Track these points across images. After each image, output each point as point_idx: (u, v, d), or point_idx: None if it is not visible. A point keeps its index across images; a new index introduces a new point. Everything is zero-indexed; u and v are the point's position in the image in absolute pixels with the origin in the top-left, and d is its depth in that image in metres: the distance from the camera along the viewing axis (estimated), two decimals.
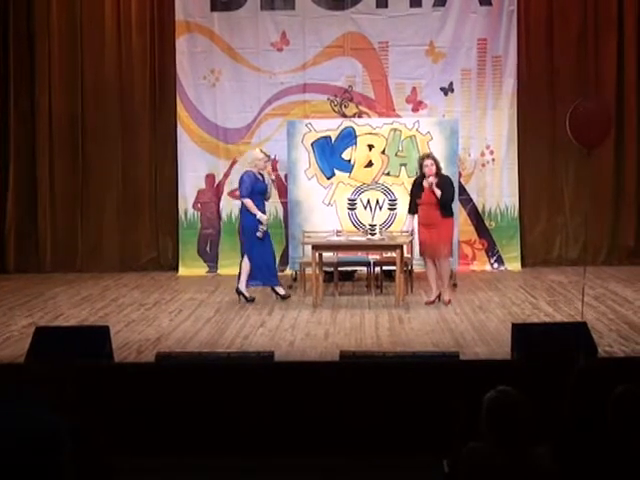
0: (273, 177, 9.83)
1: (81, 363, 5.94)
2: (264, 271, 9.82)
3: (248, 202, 9.67)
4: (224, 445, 5.59)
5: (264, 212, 9.76)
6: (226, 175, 12.28)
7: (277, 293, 9.93)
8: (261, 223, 9.62)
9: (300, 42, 12.11)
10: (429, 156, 9.83)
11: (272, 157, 10.04)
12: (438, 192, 9.49)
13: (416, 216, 9.80)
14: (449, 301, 9.61)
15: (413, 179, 10.11)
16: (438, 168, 9.68)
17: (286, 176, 11.66)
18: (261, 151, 10.15)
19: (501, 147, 12.09)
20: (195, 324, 8.81)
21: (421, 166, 9.74)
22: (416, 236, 9.95)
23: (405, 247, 9.74)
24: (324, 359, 7.16)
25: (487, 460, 3.56)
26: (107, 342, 6.66)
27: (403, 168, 11.09)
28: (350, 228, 10.90)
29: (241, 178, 9.92)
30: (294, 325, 8.67)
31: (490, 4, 11.93)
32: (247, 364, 6.16)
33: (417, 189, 9.73)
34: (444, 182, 9.64)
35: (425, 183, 9.58)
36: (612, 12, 11.95)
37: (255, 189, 9.71)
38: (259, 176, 9.80)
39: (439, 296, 9.67)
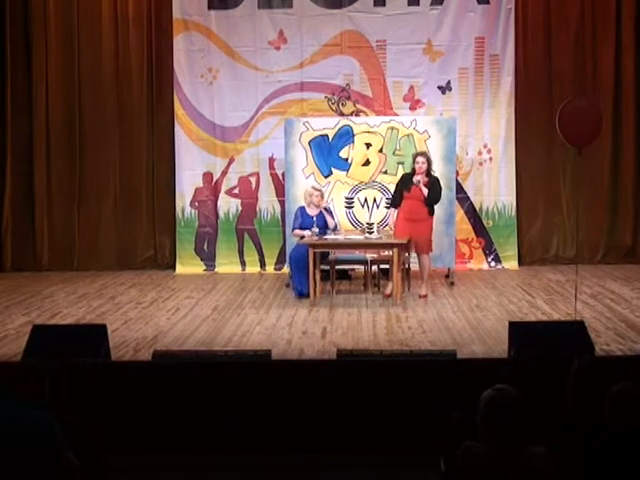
0: (325, 206, 10.40)
1: (78, 361, 5.94)
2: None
3: (295, 233, 10.30)
4: (221, 443, 5.59)
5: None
6: (224, 173, 12.27)
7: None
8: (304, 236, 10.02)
9: (298, 40, 12.10)
10: (423, 154, 10.11)
11: (323, 189, 10.75)
12: (425, 190, 9.79)
13: (396, 211, 10.06)
14: (425, 296, 9.78)
15: (402, 173, 10.31)
16: (429, 168, 9.94)
17: (283, 174, 11.67)
18: (313, 187, 10.50)
19: (498, 146, 12.09)
20: (192, 322, 8.80)
21: (414, 162, 9.98)
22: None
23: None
24: (321, 357, 7.17)
25: (484, 459, 3.56)
26: (104, 340, 6.65)
27: (400, 167, 11.09)
28: (347, 226, 10.93)
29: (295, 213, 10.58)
30: (291, 323, 8.67)
31: (488, 3, 11.92)
32: (244, 362, 6.15)
33: (406, 183, 9.96)
34: (433, 182, 9.92)
35: (414, 179, 9.81)
36: (610, 11, 11.94)
37: (302, 225, 10.22)
38: (309, 211, 10.23)
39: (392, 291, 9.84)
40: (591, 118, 8.41)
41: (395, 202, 10.13)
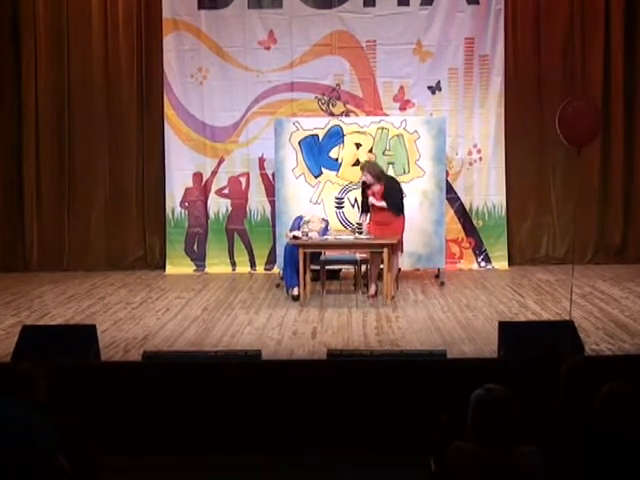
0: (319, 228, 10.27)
1: (68, 362, 5.93)
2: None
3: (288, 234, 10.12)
4: (211, 444, 5.59)
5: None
6: (214, 173, 12.26)
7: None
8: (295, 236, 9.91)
9: (288, 41, 12.10)
10: (363, 167, 10.12)
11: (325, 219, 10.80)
12: (380, 204, 9.83)
13: (368, 215, 10.12)
14: (392, 297, 9.70)
15: (361, 183, 10.30)
16: (378, 175, 9.95)
17: (273, 175, 11.66)
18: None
19: (488, 146, 12.11)
20: (182, 323, 8.79)
21: None
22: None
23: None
24: (311, 358, 7.16)
25: (474, 459, 3.56)
26: (94, 341, 6.64)
27: (390, 167, 11.09)
28: (338, 227, 10.93)
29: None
30: (281, 324, 8.67)
31: (477, 3, 11.94)
32: (234, 363, 6.15)
33: (366, 192, 10.07)
34: (389, 188, 9.91)
35: (369, 201, 9.95)
36: (599, 10, 11.97)
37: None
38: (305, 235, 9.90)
39: (376, 291, 9.85)
40: (591, 118, 8.43)
41: (364, 208, 10.17)
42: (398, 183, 10.15)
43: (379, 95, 12.13)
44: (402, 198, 10.06)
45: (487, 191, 12.17)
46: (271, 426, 5.65)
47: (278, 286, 10.64)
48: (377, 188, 9.90)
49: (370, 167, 10.05)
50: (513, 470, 3.53)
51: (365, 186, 10.05)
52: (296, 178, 11.20)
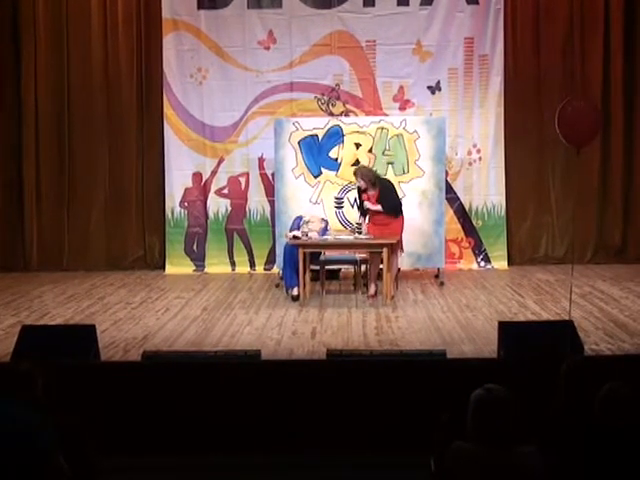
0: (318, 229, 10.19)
1: (67, 362, 5.92)
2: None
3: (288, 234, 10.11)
4: (211, 444, 5.59)
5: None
6: (213, 173, 12.26)
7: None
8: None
9: (287, 40, 12.10)
10: (356, 173, 10.08)
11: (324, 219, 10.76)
12: (375, 207, 9.83)
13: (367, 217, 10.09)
14: (392, 297, 9.67)
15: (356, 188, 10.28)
16: (372, 180, 9.92)
17: (273, 175, 11.66)
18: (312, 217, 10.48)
19: (488, 146, 12.11)
20: (182, 323, 8.79)
21: None
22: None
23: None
24: (311, 358, 7.16)
25: (474, 459, 3.56)
26: (94, 341, 6.64)
27: (390, 167, 11.10)
28: (337, 227, 10.93)
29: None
30: (281, 324, 8.67)
31: (477, 3, 11.95)
32: (234, 363, 6.15)
33: (362, 197, 10.05)
34: (383, 192, 9.89)
35: (364, 205, 9.95)
36: (598, 10, 11.98)
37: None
38: (305, 235, 9.85)
39: (376, 291, 9.85)
40: (591, 118, 8.43)
41: (362, 212, 10.12)
42: (393, 185, 10.14)
43: (379, 95, 12.13)
44: (399, 199, 10.06)
45: (486, 191, 12.17)
46: (271, 426, 5.64)
47: (278, 286, 10.64)
48: (372, 192, 9.89)
49: (363, 173, 10.02)
50: (513, 470, 3.53)
51: (360, 191, 10.04)
52: (296, 178, 11.20)
